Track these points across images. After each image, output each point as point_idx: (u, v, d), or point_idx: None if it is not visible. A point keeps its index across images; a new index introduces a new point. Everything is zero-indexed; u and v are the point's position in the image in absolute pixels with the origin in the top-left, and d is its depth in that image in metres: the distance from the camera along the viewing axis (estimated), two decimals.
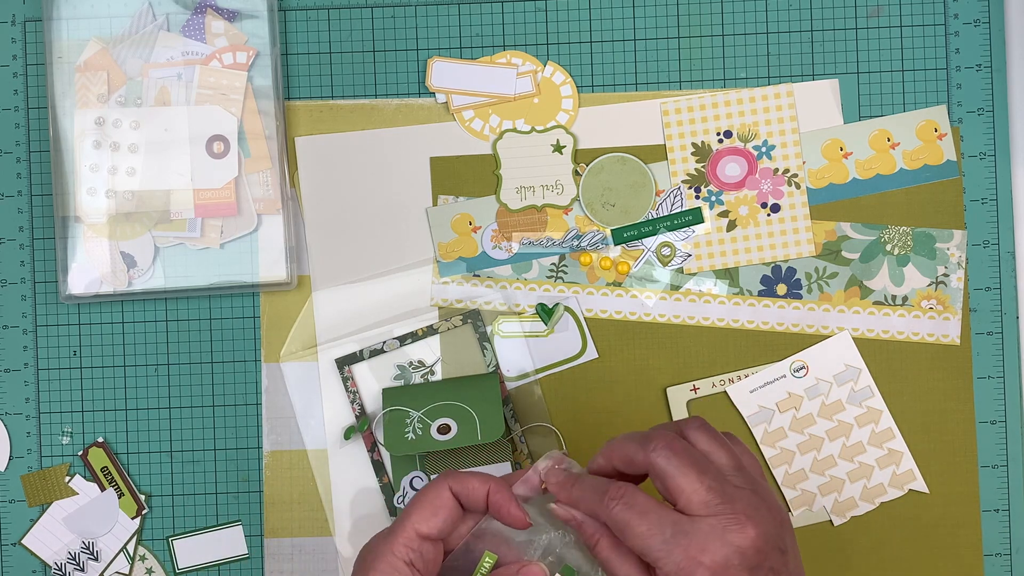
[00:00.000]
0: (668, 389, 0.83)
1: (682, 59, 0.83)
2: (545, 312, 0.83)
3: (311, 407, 0.83)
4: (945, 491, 0.82)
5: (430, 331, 0.83)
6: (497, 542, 0.65)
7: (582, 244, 0.83)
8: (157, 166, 0.82)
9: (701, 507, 0.58)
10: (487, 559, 0.65)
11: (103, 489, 0.83)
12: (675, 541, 0.58)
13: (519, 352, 0.83)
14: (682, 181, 0.83)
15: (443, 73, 0.84)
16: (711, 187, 0.83)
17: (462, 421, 0.80)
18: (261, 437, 0.84)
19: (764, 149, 0.83)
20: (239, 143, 0.82)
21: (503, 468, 0.81)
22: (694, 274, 0.83)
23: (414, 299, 0.83)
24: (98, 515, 0.83)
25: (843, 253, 0.83)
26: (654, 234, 0.83)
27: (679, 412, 0.82)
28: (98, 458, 0.83)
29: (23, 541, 0.84)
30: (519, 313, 0.83)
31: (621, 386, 0.83)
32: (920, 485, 0.82)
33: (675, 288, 0.83)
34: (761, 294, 0.83)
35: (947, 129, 0.83)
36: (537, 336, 0.83)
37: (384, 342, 0.83)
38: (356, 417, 0.83)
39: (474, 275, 0.83)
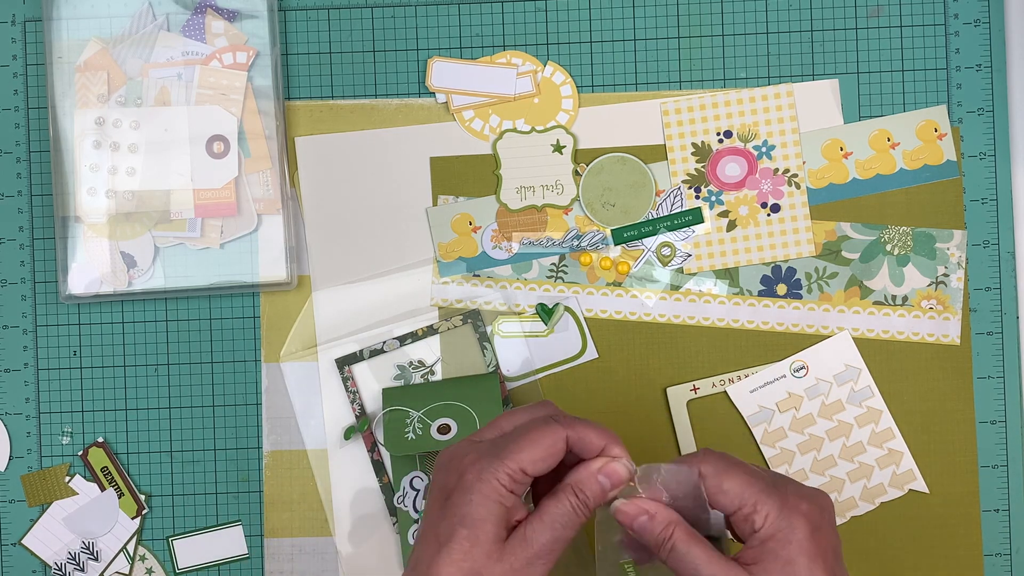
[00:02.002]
0: (668, 389, 0.83)
1: (682, 59, 0.83)
2: (545, 312, 0.83)
3: (311, 407, 0.83)
4: (945, 491, 0.82)
5: (430, 331, 0.83)
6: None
7: (582, 244, 0.83)
8: (157, 166, 0.82)
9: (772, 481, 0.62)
10: (627, 567, 0.64)
11: (103, 489, 0.83)
12: (770, 490, 0.60)
13: (519, 352, 0.83)
14: (682, 181, 0.83)
15: (443, 73, 0.84)
16: (711, 187, 0.83)
17: (462, 421, 0.80)
18: (261, 437, 0.84)
19: (764, 149, 0.83)
20: (239, 143, 0.82)
21: None
22: (694, 274, 0.83)
23: (414, 299, 0.83)
24: (98, 515, 0.83)
25: (843, 253, 0.83)
26: (654, 234, 0.83)
27: (679, 412, 0.82)
28: (98, 458, 0.83)
29: (23, 541, 0.84)
30: (519, 313, 0.83)
31: (621, 386, 0.83)
32: (920, 485, 0.82)
33: (675, 288, 0.83)
34: (761, 294, 0.83)
35: (947, 129, 0.83)
36: (537, 336, 0.83)
37: (384, 342, 0.83)
38: (356, 417, 0.83)
39: (474, 275, 0.83)
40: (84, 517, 0.83)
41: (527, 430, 0.62)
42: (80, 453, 0.83)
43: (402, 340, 0.83)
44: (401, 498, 0.82)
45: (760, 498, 0.60)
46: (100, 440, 0.83)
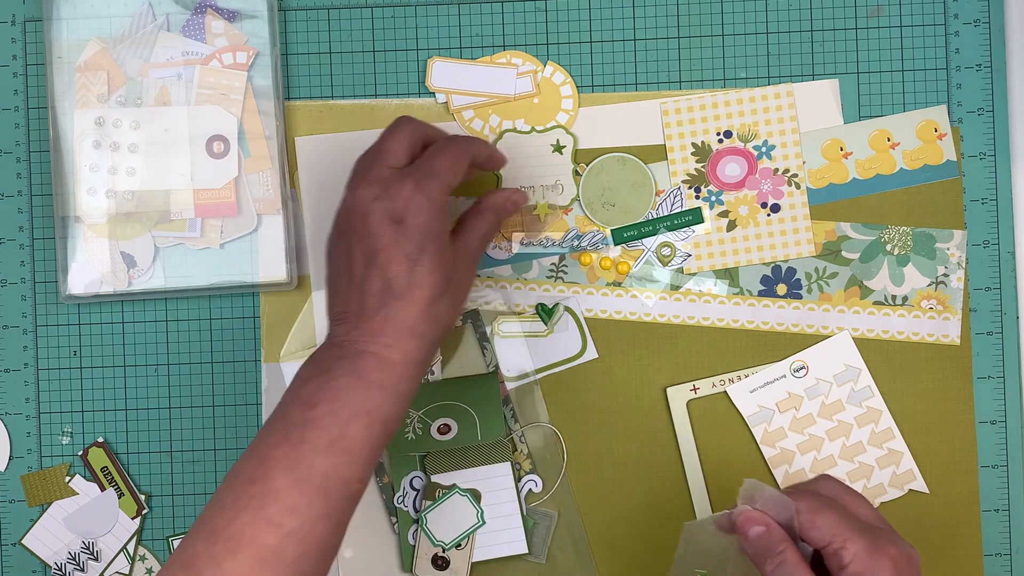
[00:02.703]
0: (668, 389, 0.83)
1: (682, 59, 0.83)
2: (545, 312, 0.83)
3: None
4: (945, 491, 0.82)
5: None
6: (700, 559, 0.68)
7: (582, 244, 0.83)
8: (157, 166, 0.82)
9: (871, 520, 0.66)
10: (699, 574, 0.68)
11: (103, 489, 0.83)
12: (862, 530, 0.63)
13: (519, 352, 0.83)
14: (682, 181, 0.83)
15: (443, 73, 0.84)
16: (711, 187, 0.83)
17: (462, 421, 0.80)
18: None
19: (764, 149, 0.83)
20: (239, 143, 0.82)
21: (503, 468, 0.81)
22: (694, 274, 0.83)
23: None
24: (98, 515, 0.83)
25: (843, 253, 0.83)
26: (654, 234, 0.83)
27: (679, 412, 0.82)
28: (98, 458, 0.83)
29: (23, 541, 0.84)
30: (519, 313, 0.83)
31: (621, 386, 0.83)
32: (920, 485, 0.82)
33: (675, 288, 0.83)
34: (761, 294, 0.83)
35: (947, 129, 0.83)
36: (537, 336, 0.83)
37: None
38: None
39: None
40: (84, 517, 0.83)
41: (439, 151, 0.71)
42: (80, 453, 0.83)
43: None
44: (401, 498, 0.82)
45: (851, 536, 0.63)
46: (100, 440, 0.83)
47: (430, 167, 0.70)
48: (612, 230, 0.83)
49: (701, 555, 0.69)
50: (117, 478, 0.83)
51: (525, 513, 0.81)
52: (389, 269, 0.67)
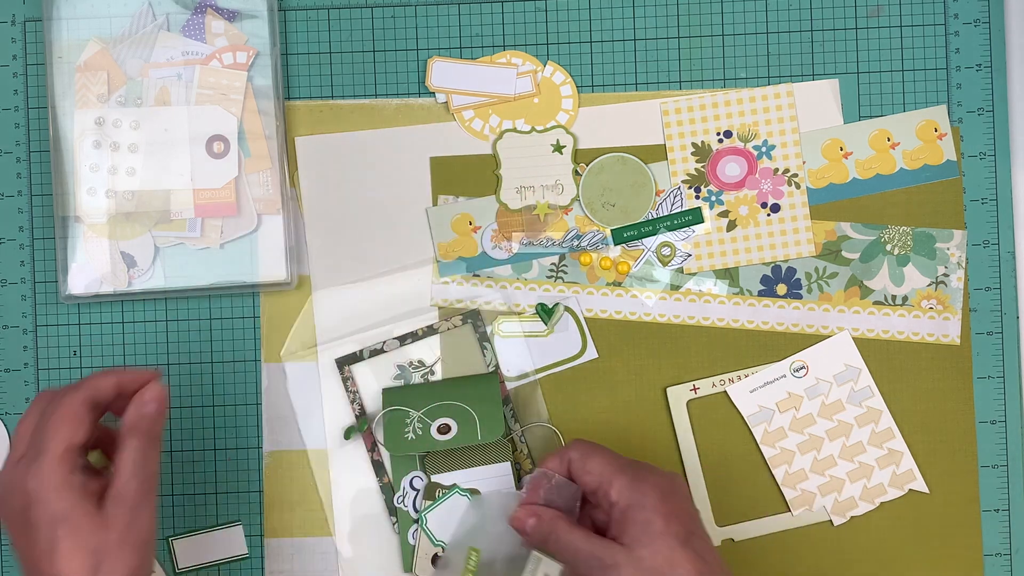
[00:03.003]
0: (668, 389, 0.83)
1: (682, 59, 0.83)
2: (545, 312, 0.83)
3: (311, 407, 0.83)
4: (945, 491, 0.82)
5: (430, 331, 0.83)
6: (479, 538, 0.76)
7: (582, 244, 0.83)
8: (157, 166, 0.82)
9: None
10: (472, 554, 0.74)
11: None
12: (625, 467, 0.70)
13: (519, 352, 0.83)
14: (682, 181, 0.83)
15: (443, 73, 0.84)
16: (711, 187, 0.83)
17: (462, 421, 0.80)
18: (261, 437, 0.83)
19: (764, 149, 0.83)
20: (239, 143, 0.82)
21: (503, 468, 0.81)
22: (694, 274, 0.83)
23: (414, 299, 0.83)
24: None
25: (843, 253, 0.83)
26: (654, 234, 0.83)
27: (679, 412, 0.82)
28: (97, 460, 0.83)
29: None
30: (519, 313, 0.83)
31: (621, 386, 0.83)
32: (920, 485, 0.82)
33: (675, 288, 0.83)
34: (761, 294, 0.83)
35: (947, 129, 0.83)
36: (537, 336, 0.83)
37: (384, 342, 0.83)
38: (356, 417, 0.83)
39: (474, 275, 0.83)
40: None
41: (50, 415, 0.67)
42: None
43: (402, 340, 0.83)
44: (401, 498, 0.82)
45: (616, 475, 0.69)
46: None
47: (37, 443, 0.66)
48: (612, 230, 0.83)
49: (479, 531, 0.76)
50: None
51: None
52: (35, 569, 0.64)
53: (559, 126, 0.83)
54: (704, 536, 0.68)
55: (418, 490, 0.81)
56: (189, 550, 0.83)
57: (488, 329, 0.83)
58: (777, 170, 0.83)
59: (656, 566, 0.65)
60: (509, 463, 0.81)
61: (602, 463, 0.70)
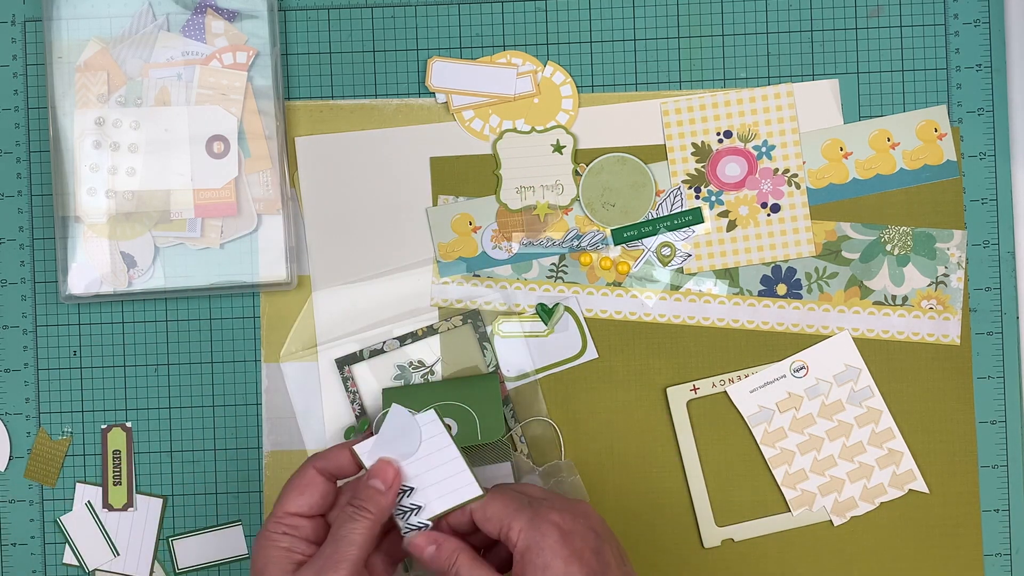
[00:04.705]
0: (668, 389, 0.83)
1: (682, 59, 0.83)
2: (545, 312, 0.83)
3: (311, 407, 0.83)
4: (945, 491, 0.82)
5: (430, 331, 0.83)
6: None
7: (582, 244, 0.83)
8: (157, 166, 0.82)
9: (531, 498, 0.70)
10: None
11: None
12: (524, 508, 0.67)
13: (519, 352, 0.83)
14: (682, 181, 0.83)
15: (443, 73, 0.84)
16: (711, 187, 0.83)
17: (462, 421, 0.80)
18: (261, 437, 0.84)
19: (764, 149, 0.83)
20: (239, 143, 0.82)
21: (503, 468, 0.81)
22: (694, 274, 0.83)
23: (414, 299, 0.83)
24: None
25: (843, 253, 0.83)
26: (654, 234, 0.83)
27: (679, 412, 0.82)
28: (116, 439, 0.83)
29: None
30: (519, 313, 0.83)
31: (621, 386, 0.83)
32: (920, 485, 0.82)
33: (675, 288, 0.83)
34: (761, 294, 0.83)
35: (947, 129, 0.83)
36: (537, 336, 0.83)
37: (384, 342, 0.83)
38: (356, 417, 0.83)
39: (474, 275, 0.83)
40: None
41: (287, 483, 0.70)
42: (103, 427, 0.83)
43: (402, 340, 0.83)
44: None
45: (514, 516, 0.66)
46: (128, 424, 0.83)
47: (334, 554, 0.67)
48: (612, 230, 0.83)
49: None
50: (123, 465, 0.83)
51: None
52: None
53: (559, 126, 0.83)
54: (610, 571, 0.66)
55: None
56: (189, 550, 0.83)
57: (488, 329, 0.83)
58: (777, 170, 0.83)
59: None
60: (509, 463, 0.81)
61: (501, 507, 0.67)
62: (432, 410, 0.71)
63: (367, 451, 0.70)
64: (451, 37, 0.84)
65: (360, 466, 0.70)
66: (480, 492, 0.69)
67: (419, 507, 0.69)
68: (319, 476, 0.70)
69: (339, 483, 0.72)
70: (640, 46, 0.84)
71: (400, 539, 0.70)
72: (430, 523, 0.69)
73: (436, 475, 0.70)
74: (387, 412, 0.71)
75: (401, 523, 0.69)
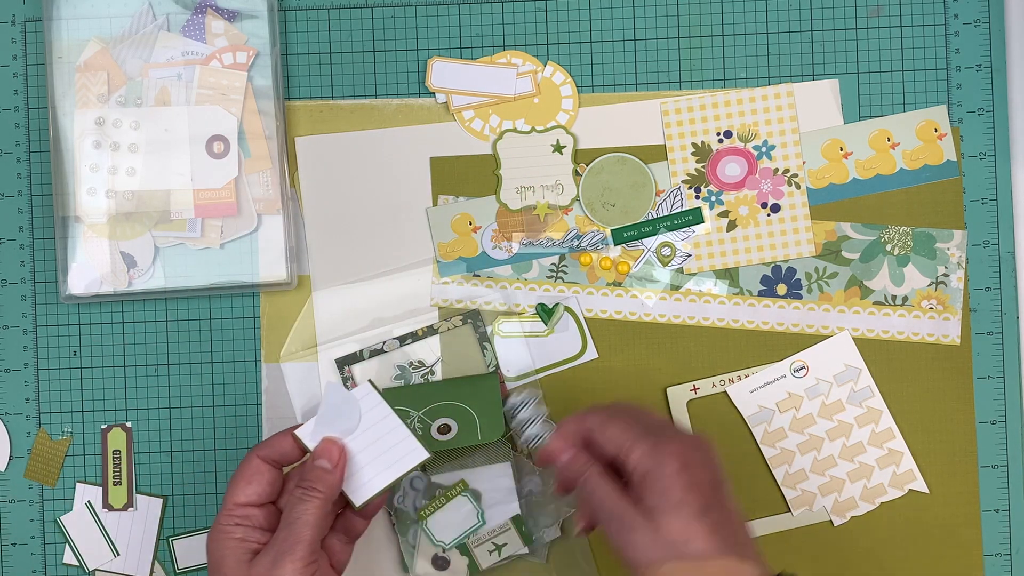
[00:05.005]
0: (668, 389, 0.83)
1: (682, 59, 0.83)
2: (545, 312, 0.83)
3: (311, 407, 0.83)
4: (945, 491, 0.82)
5: (430, 331, 0.83)
6: None
7: (582, 244, 0.83)
8: (157, 166, 0.82)
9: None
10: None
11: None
12: (645, 435, 0.67)
13: (519, 352, 0.83)
14: (682, 181, 0.83)
15: (443, 73, 0.84)
16: (711, 187, 0.83)
17: (462, 421, 0.80)
18: (261, 437, 0.83)
19: (764, 149, 0.83)
20: (239, 143, 0.82)
21: (503, 468, 0.81)
22: (694, 274, 0.83)
23: (414, 299, 0.83)
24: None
25: (843, 253, 0.83)
26: (654, 234, 0.83)
27: (679, 412, 0.82)
28: (116, 439, 0.83)
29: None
30: (519, 313, 0.83)
31: (621, 386, 0.83)
32: (920, 485, 0.82)
33: (675, 288, 0.83)
34: (761, 294, 0.83)
35: (947, 129, 0.83)
36: (537, 336, 0.83)
37: (384, 342, 0.83)
38: None
39: (474, 275, 0.83)
40: None
41: (233, 474, 0.71)
42: (103, 427, 0.83)
43: (402, 340, 0.83)
44: (401, 498, 0.82)
45: (635, 442, 0.67)
46: (128, 424, 0.83)
47: (288, 537, 0.68)
48: (612, 230, 0.83)
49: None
50: (124, 465, 0.83)
51: (525, 512, 0.81)
52: None
53: (559, 126, 0.83)
54: (725, 508, 0.66)
55: (418, 490, 0.81)
56: (189, 550, 0.83)
57: (488, 329, 0.83)
58: (777, 170, 0.83)
59: (671, 538, 0.64)
60: (509, 463, 0.81)
61: (621, 430, 0.68)
62: (367, 382, 0.72)
63: (309, 433, 0.71)
64: (451, 37, 0.84)
65: (304, 450, 0.71)
66: (427, 454, 0.70)
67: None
68: (264, 464, 0.71)
69: (284, 470, 0.73)
70: (640, 46, 0.84)
71: (355, 517, 0.73)
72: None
73: (381, 445, 0.71)
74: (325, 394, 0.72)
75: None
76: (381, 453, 0.71)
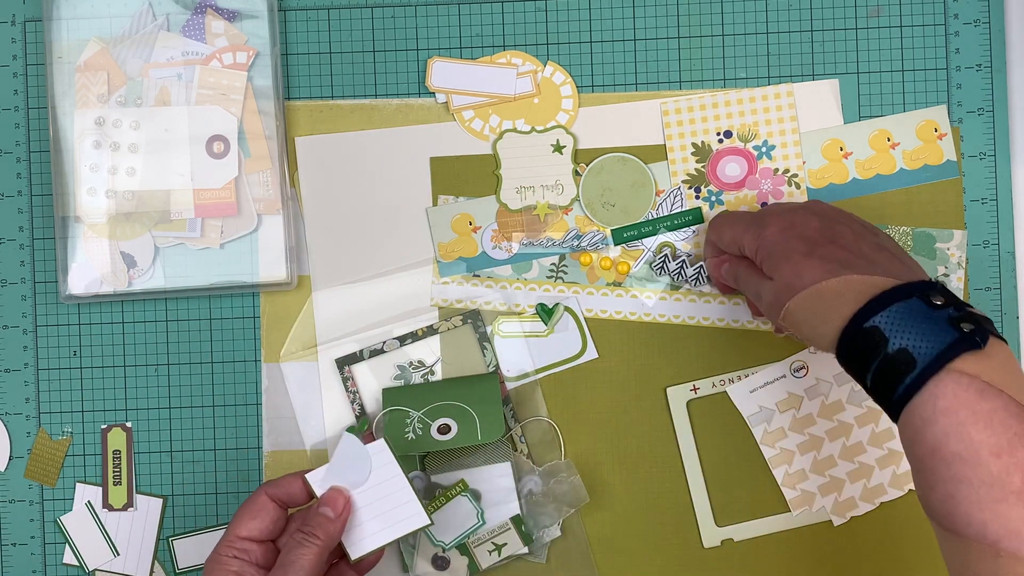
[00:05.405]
0: (668, 389, 0.83)
1: (682, 59, 0.83)
2: (545, 312, 0.83)
3: (311, 407, 0.83)
4: None
5: (430, 331, 0.83)
6: None
7: (582, 244, 0.83)
8: (157, 166, 0.82)
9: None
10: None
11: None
12: (751, 221, 0.74)
13: (519, 352, 0.83)
14: (682, 181, 0.83)
15: (443, 73, 0.84)
16: (711, 187, 0.83)
17: (462, 421, 0.80)
18: (261, 437, 0.84)
19: (764, 149, 0.83)
20: (239, 143, 0.82)
21: (503, 468, 0.81)
22: None
23: (414, 299, 0.83)
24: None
25: None
26: (654, 234, 0.83)
27: (679, 412, 0.82)
28: (116, 439, 0.83)
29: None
30: (519, 313, 0.83)
31: (621, 386, 0.83)
32: None
33: (675, 288, 0.83)
34: None
35: (947, 129, 0.83)
36: (537, 336, 0.83)
37: (384, 342, 0.83)
38: (356, 417, 0.83)
39: (474, 275, 0.83)
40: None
41: (240, 507, 0.72)
42: (103, 427, 0.83)
43: (402, 340, 0.83)
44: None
45: (745, 232, 0.74)
46: (128, 424, 0.83)
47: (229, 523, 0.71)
48: (612, 230, 0.83)
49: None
50: (123, 465, 0.83)
51: (525, 512, 0.81)
52: None
53: (559, 126, 0.83)
54: (838, 243, 0.69)
55: (418, 490, 0.81)
56: (189, 550, 0.83)
57: (488, 329, 0.83)
58: (777, 170, 0.83)
59: (787, 281, 0.68)
60: (509, 463, 0.81)
61: (733, 231, 0.75)
62: (382, 440, 0.72)
63: (319, 480, 0.72)
64: (451, 37, 0.84)
65: (311, 495, 0.72)
66: (428, 521, 0.71)
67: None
68: (271, 502, 0.72)
69: (289, 511, 0.73)
70: (640, 46, 0.84)
71: (348, 570, 0.74)
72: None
73: (386, 504, 0.72)
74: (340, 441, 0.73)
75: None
76: (384, 511, 0.71)
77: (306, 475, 0.72)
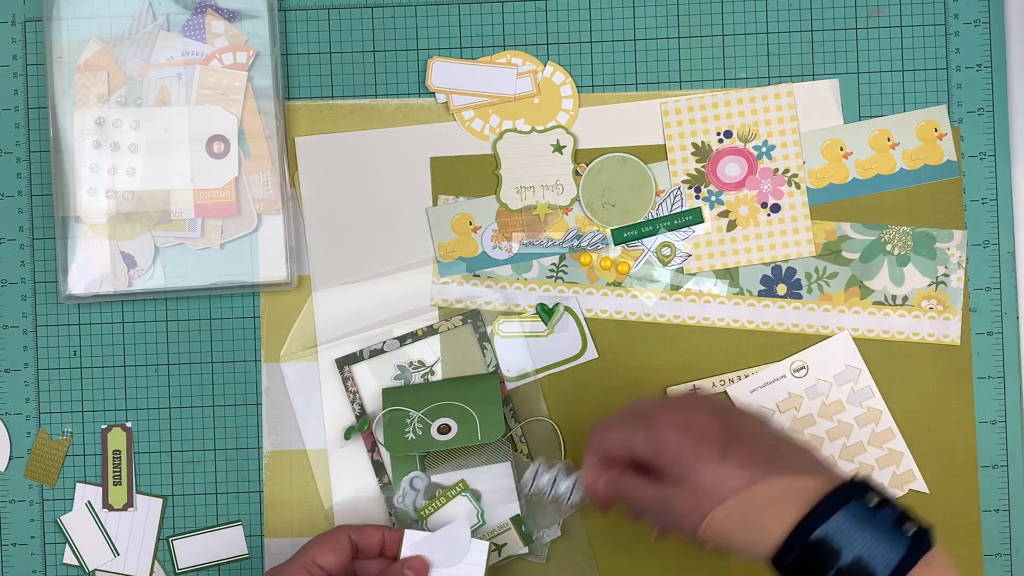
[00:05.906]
0: (668, 389, 0.83)
1: (682, 59, 0.83)
2: (545, 312, 0.83)
3: (311, 407, 0.83)
4: (945, 491, 0.82)
5: (430, 331, 0.83)
6: None
7: (582, 244, 0.83)
8: (157, 166, 0.82)
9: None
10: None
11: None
12: (639, 422, 0.69)
13: (519, 352, 0.83)
14: (682, 181, 0.83)
15: (443, 73, 0.84)
16: (711, 187, 0.83)
17: (462, 421, 0.80)
18: (261, 437, 0.84)
19: (764, 149, 0.83)
20: (239, 143, 0.82)
21: (503, 468, 0.81)
22: (694, 274, 0.83)
23: (414, 299, 0.83)
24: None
25: (843, 253, 0.83)
26: (654, 234, 0.83)
27: None
28: (116, 439, 0.83)
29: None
30: (519, 313, 0.83)
31: (621, 386, 0.83)
32: (920, 485, 0.82)
33: (675, 288, 0.83)
34: (761, 294, 0.83)
35: (947, 129, 0.83)
36: (537, 336, 0.83)
37: (384, 342, 0.83)
38: (356, 417, 0.83)
39: (474, 275, 0.83)
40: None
41: (317, 535, 0.75)
42: (103, 427, 0.83)
43: (402, 340, 0.83)
44: (401, 498, 0.82)
45: (634, 433, 0.68)
46: (128, 424, 0.83)
47: (302, 547, 0.74)
48: (612, 230, 0.83)
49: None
50: (124, 465, 0.83)
51: (526, 512, 0.81)
52: None
53: (559, 126, 0.83)
54: (749, 440, 0.66)
55: (418, 490, 0.81)
56: (189, 550, 0.83)
57: (488, 329, 0.83)
58: (777, 170, 0.83)
59: (705, 490, 0.64)
60: (509, 463, 0.81)
61: (619, 432, 0.69)
62: (488, 543, 0.75)
63: (415, 542, 0.75)
64: (451, 37, 0.84)
65: (382, 550, 0.75)
66: None
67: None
68: (348, 543, 0.74)
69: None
70: (640, 46, 0.84)
71: None
72: None
73: None
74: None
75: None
76: None
77: (406, 531, 0.75)
